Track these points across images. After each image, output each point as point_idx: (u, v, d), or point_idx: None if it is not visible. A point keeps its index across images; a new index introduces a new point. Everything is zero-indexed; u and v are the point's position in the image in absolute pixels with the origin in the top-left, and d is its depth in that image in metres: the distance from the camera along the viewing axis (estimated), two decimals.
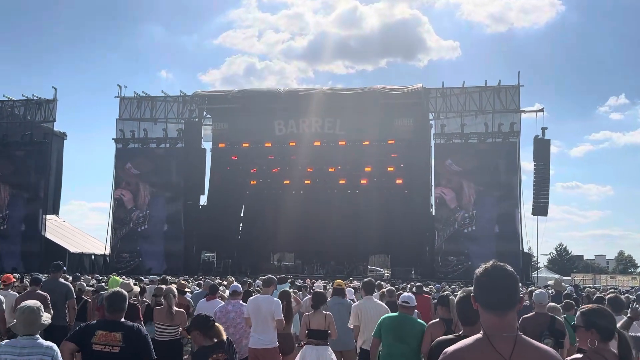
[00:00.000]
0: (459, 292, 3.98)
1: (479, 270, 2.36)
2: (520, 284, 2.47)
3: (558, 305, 8.03)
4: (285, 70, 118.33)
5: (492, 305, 2.28)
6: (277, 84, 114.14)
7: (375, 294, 10.34)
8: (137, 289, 10.77)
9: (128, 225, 37.76)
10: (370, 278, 8.02)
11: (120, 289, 4.67)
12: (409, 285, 16.62)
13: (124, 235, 37.48)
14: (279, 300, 7.60)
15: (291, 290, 10.49)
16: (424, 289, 13.67)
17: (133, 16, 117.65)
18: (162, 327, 7.77)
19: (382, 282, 14.49)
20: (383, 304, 7.77)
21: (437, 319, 5.91)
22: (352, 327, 7.43)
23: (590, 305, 3.43)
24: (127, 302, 4.58)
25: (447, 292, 10.99)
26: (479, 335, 2.30)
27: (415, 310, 9.63)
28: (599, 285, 34.85)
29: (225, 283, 14.31)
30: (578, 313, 3.37)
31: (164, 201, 37.95)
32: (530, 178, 35.26)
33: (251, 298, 7.95)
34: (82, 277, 15.75)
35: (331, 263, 38.11)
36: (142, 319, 8.19)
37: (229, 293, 8.26)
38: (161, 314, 7.83)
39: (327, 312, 7.61)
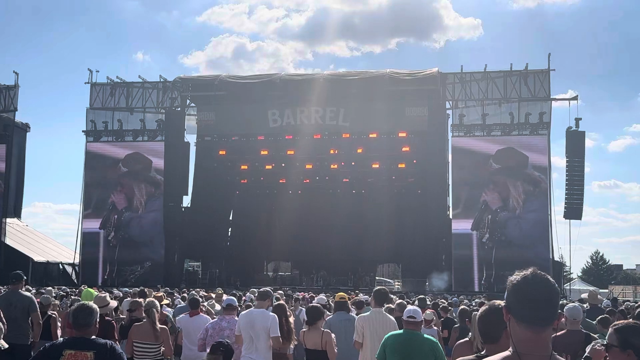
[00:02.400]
0: (482, 306, 3.98)
1: (515, 278, 2.37)
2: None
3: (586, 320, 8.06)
4: (280, 52, 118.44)
5: (529, 319, 2.29)
6: (270, 68, 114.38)
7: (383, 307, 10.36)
8: (114, 303, 10.79)
9: (121, 230, 37.93)
10: (382, 287, 8.02)
11: (87, 302, 4.67)
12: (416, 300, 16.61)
13: (121, 242, 37.69)
14: (275, 315, 7.60)
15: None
16: (428, 302, 13.71)
17: None
18: (143, 346, 7.75)
19: (393, 296, 14.51)
20: (393, 318, 7.77)
21: (467, 339, 5.90)
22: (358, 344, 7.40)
23: (625, 321, 3.40)
24: (97, 317, 4.57)
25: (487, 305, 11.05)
26: (507, 353, 2.32)
27: (435, 327, 9.67)
28: None
29: (214, 296, 14.30)
30: (611, 330, 3.33)
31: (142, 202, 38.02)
32: (562, 176, 35.33)
33: (243, 312, 7.96)
34: (45, 289, 15.79)
35: (322, 273, 38.08)
36: (116, 337, 8.18)
37: (223, 307, 8.27)
38: (141, 331, 7.81)
39: (325, 330, 7.61)
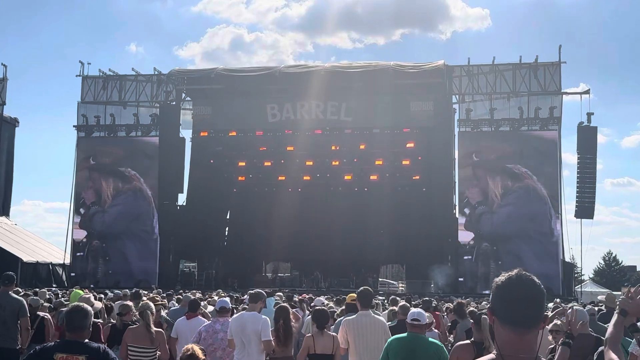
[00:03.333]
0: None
1: (500, 279, 2.42)
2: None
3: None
4: (280, 43, 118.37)
5: (513, 320, 2.34)
6: (269, 60, 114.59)
7: (384, 311, 10.41)
8: (98, 304, 10.85)
9: (94, 229, 38.09)
10: (367, 287, 8.00)
11: (81, 304, 4.69)
12: (420, 301, 16.63)
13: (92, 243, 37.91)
14: (267, 318, 7.66)
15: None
16: (433, 304, 13.78)
17: None
18: (138, 351, 7.80)
19: (397, 297, 14.54)
20: (382, 319, 7.78)
21: (467, 341, 5.94)
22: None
23: None
24: (92, 319, 4.59)
25: (483, 310, 11.07)
26: (492, 356, 2.39)
27: (435, 330, 9.73)
28: None
29: (216, 298, 14.36)
30: None
31: (134, 201, 38.06)
32: (573, 173, 35.43)
33: (235, 316, 8.04)
34: (37, 291, 15.86)
35: (315, 274, 38.09)
36: (104, 340, 8.23)
37: (217, 309, 8.34)
38: (137, 334, 7.86)
39: (334, 334, 7.66)
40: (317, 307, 9.28)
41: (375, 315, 7.79)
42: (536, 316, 2.36)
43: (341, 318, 8.70)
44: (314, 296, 17.44)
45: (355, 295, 8.90)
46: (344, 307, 10.78)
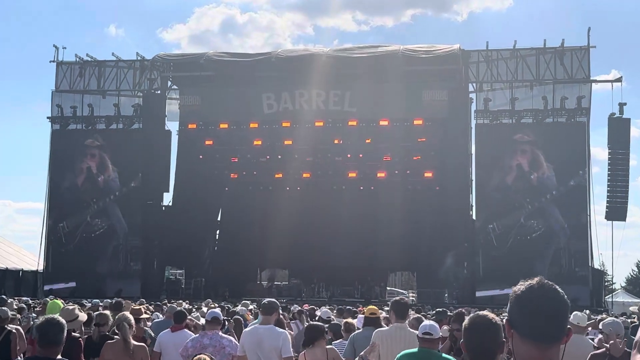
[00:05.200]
0: (468, 317, 3.88)
1: (519, 289, 2.44)
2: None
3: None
4: (276, 25, 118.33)
5: (534, 335, 2.36)
6: (264, 44, 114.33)
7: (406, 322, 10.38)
8: (83, 316, 10.82)
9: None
10: (401, 297, 8.04)
11: (56, 316, 4.67)
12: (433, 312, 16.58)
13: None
14: (286, 332, 7.66)
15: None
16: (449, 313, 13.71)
17: None
18: None
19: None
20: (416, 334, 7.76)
21: None
22: None
23: None
24: (66, 333, 4.57)
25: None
26: None
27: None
28: None
29: (205, 309, 14.34)
30: None
31: (114, 201, 38.12)
32: (603, 170, 35.41)
33: (247, 330, 8.00)
34: (7, 300, 15.85)
35: (297, 281, 38.10)
36: (82, 357, 8.21)
37: (206, 321, 8.32)
38: (115, 349, 7.88)
39: (329, 347, 7.66)
40: (310, 323, 9.26)
41: (412, 330, 7.73)
42: (559, 330, 2.38)
43: (358, 331, 8.70)
44: (315, 307, 17.39)
45: (375, 307, 8.93)
46: (348, 320, 10.75)
